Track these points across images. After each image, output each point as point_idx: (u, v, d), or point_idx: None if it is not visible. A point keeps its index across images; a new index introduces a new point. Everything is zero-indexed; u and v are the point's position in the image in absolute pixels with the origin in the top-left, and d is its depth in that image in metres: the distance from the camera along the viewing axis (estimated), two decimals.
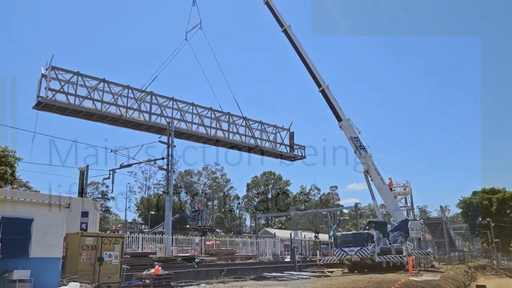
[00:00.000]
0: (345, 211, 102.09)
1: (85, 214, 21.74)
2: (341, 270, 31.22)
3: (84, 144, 32.60)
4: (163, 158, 30.67)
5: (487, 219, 77.02)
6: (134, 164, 35.26)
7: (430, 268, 33.55)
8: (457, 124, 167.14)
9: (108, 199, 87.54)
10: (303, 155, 40.07)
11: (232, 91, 62.33)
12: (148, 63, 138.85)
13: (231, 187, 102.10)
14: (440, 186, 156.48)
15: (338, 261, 31.47)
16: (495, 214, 79.89)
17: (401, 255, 30.40)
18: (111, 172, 31.90)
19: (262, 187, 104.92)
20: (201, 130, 34.10)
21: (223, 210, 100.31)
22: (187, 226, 71.71)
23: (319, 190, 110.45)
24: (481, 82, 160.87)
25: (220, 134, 35.11)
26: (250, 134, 36.46)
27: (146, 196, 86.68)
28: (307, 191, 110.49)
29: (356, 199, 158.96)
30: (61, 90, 26.96)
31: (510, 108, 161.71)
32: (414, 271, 27.88)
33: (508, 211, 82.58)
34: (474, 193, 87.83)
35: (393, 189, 37.26)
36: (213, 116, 34.63)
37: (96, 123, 30.19)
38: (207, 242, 34.25)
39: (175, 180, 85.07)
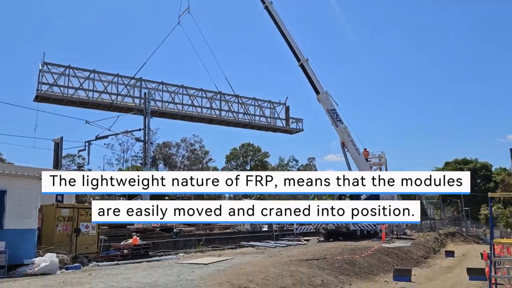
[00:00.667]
0: None
1: None
2: (317, 239, 32.07)
3: (58, 115, 32.23)
4: (140, 129, 30.41)
5: None
6: (111, 136, 34.88)
7: (402, 236, 34.77)
8: (431, 95, 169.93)
9: (85, 171, 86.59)
10: (301, 128, 41.25)
11: (222, 70, 63.74)
12: (137, 52, 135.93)
13: (210, 159, 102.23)
14: (415, 157, 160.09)
15: (314, 230, 32.24)
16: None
17: (374, 224, 31.35)
18: (86, 143, 31.48)
19: (241, 158, 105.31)
20: (195, 110, 35.63)
21: None
22: (166, 198, 71.85)
23: (297, 161, 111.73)
24: (457, 49, 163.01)
25: (213, 113, 36.52)
26: (243, 111, 37.83)
27: (124, 168, 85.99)
28: (286, 162, 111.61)
29: (333, 170, 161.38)
30: (55, 83, 29.13)
31: (484, 79, 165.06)
32: (387, 238, 28.91)
33: (478, 181, 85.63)
34: (447, 163, 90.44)
35: (368, 159, 37.98)
36: (204, 96, 36.09)
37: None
38: None
39: (153, 152, 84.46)
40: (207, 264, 15.62)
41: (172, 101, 34.39)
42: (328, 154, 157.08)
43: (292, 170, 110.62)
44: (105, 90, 31.14)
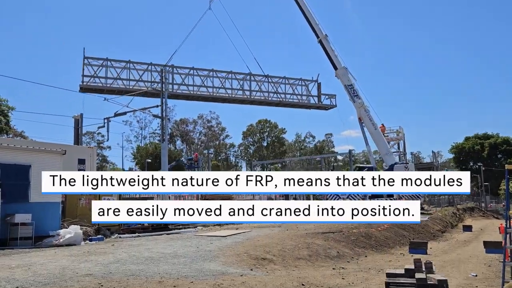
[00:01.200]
0: (340, 157, 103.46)
1: (82, 161, 22.15)
2: None
3: (77, 92, 32.62)
4: (157, 106, 30.64)
5: (478, 164, 78.60)
6: (129, 112, 35.41)
7: (420, 210, 34.70)
8: (451, 70, 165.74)
9: (104, 148, 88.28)
10: (334, 104, 41.87)
11: (251, 51, 63.65)
12: (165, 40, 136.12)
13: (227, 136, 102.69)
14: (435, 133, 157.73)
15: None
16: (486, 158, 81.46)
17: (391, 199, 31.36)
18: (105, 120, 31.94)
19: (258, 135, 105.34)
20: (225, 92, 37.43)
21: (219, 158, 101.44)
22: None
23: (314, 137, 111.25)
24: (474, 27, 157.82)
25: (243, 94, 37.97)
26: (273, 91, 39.07)
27: (142, 145, 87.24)
28: (302, 138, 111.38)
29: (350, 146, 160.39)
30: (95, 75, 32.37)
31: (506, 53, 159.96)
32: None
33: (499, 155, 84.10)
34: (467, 138, 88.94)
35: (385, 134, 37.65)
36: (234, 77, 37.68)
37: None
38: None
39: (170, 129, 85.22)
40: (225, 236, 16.03)
41: (204, 84, 36.37)
42: (346, 130, 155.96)
43: (309, 146, 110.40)
44: (140, 78, 33.93)
